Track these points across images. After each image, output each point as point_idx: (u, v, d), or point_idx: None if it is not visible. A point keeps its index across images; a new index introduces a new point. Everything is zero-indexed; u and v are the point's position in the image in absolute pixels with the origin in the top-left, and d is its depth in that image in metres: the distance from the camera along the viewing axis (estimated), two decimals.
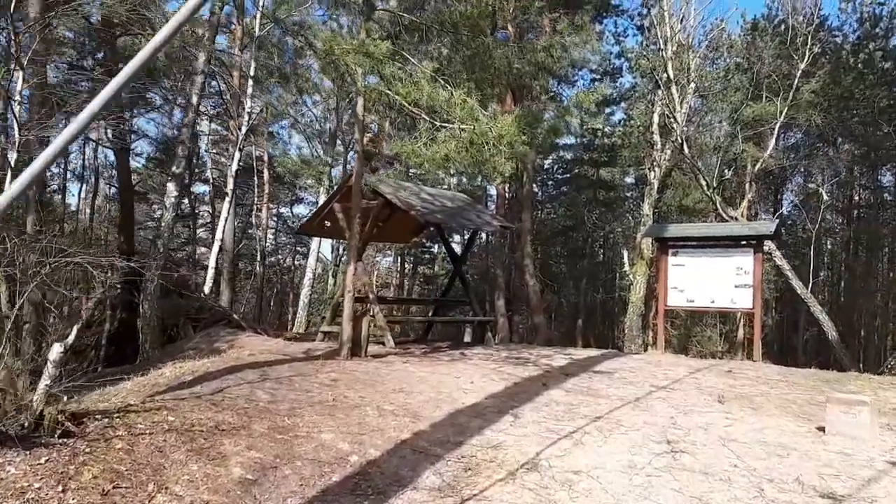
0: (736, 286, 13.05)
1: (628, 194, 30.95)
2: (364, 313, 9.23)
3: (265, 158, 32.37)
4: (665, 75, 19.28)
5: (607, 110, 26.41)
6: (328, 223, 13.06)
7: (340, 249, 32.89)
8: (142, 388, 6.55)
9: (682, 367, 10.52)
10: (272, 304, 41.53)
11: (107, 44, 10.52)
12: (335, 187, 13.84)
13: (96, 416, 4.98)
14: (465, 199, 14.16)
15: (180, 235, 38.43)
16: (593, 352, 12.66)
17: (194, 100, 9.86)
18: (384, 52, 6.47)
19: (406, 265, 35.63)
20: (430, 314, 14.88)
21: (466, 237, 22.66)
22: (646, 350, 22.59)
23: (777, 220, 15.41)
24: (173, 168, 10.14)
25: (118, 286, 11.37)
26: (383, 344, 11.47)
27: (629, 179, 31.54)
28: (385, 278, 34.49)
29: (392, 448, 5.12)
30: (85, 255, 8.25)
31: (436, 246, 31.86)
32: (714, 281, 13.23)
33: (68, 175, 31.46)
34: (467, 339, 16.61)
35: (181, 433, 4.90)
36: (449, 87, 7.24)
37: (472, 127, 6.65)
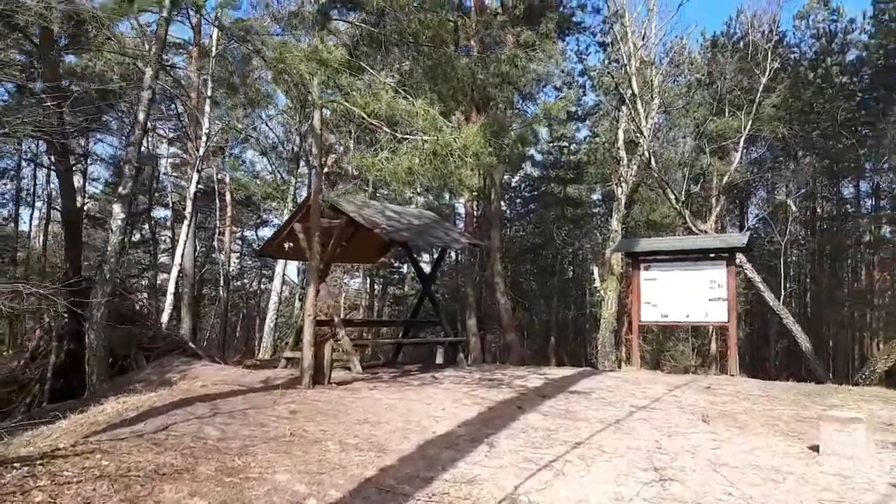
0: (710, 300, 12.85)
1: (595, 211, 30.94)
2: (327, 338, 8.70)
3: (227, 181, 31.68)
4: (630, 91, 19.25)
5: (573, 126, 26.40)
6: (290, 244, 12.52)
7: (307, 272, 32.26)
8: (78, 426, 5.93)
9: (660, 385, 10.20)
10: (238, 329, 40.46)
11: (49, 62, 9.91)
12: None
13: (14, 465, 4.38)
14: (432, 217, 13.75)
15: (141, 262, 37.38)
16: (568, 371, 12.28)
17: (141, 116, 9.29)
18: (339, 59, 6.06)
19: (375, 286, 35.01)
20: (399, 336, 14.36)
21: (435, 256, 22.28)
22: (620, 367, 22.36)
23: (749, 233, 15.31)
24: (119, 189, 9.52)
25: (65, 315, 10.65)
26: (350, 369, 10.93)
27: (596, 196, 31.57)
28: (354, 300, 33.79)
29: (355, 488, 4.61)
30: (27, 284, 7.62)
31: (405, 266, 31.37)
32: (687, 295, 13.01)
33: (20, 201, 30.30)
34: (440, 360, 16.13)
35: (115, 480, 4.33)
36: (410, 98, 6.85)
37: (435, 138, 6.26)
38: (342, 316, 17.79)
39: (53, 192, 30.87)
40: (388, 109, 6.59)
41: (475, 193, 16.23)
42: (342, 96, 6.96)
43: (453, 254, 28.61)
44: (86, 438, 5.23)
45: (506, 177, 23.74)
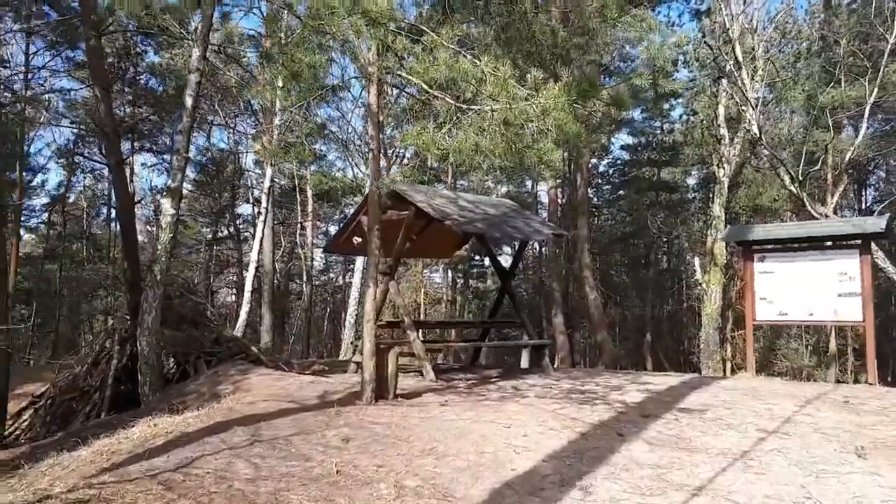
0: (839, 295, 10.97)
1: (691, 196, 28.60)
2: (390, 346, 7.63)
3: (307, 176, 31.53)
4: (732, 60, 17.19)
5: (666, 105, 24.29)
6: (358, 239, 11.61)
7: (385, 265, 31.60)
8: (98, 457, 5.12)
9: (785, 398, 8.55)
10: (325, 323, 40.59)
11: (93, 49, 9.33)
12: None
13: None
14: (511, 206, 12.47)
15: (228, 258, 38.03)
16: (672, 379, 10.72)
17: (188, 101, 8.53)
18: (384, 9, 4.93)
19: (457, 280, 34.01)
20: (478, 338, 13.18)
21: (515, 249, 20.95)
22: (725, 368, 20.35)
23: (887, 216, 13.12)
24: (168, 182, 8.82)
25: (127, 317, 10.15)
26: (422, 374, 9.88)
27: (691, 181, 29.24)
28: (435, 294, 32.89)
29: None
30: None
31: (486, 258, 30.15)
32: (812, 290, 11.17)
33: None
34: (524, 363, 14.86)
35: None
36: (475, 60, 5.63)
37: (506, 104, 5.02)
38: (417, 314, 16.89)
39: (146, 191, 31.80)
40: (448, 73, 5.41)
41: (558, 178, 14.76)
42: (394, 60, 5.86)
43: (536, 245, 27.16)
44: (90, 479, 4.36)
45: (593, 160, 22.00)
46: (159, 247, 8.56)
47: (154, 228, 34.89)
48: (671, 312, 26.35)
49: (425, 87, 5.91)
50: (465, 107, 5.60)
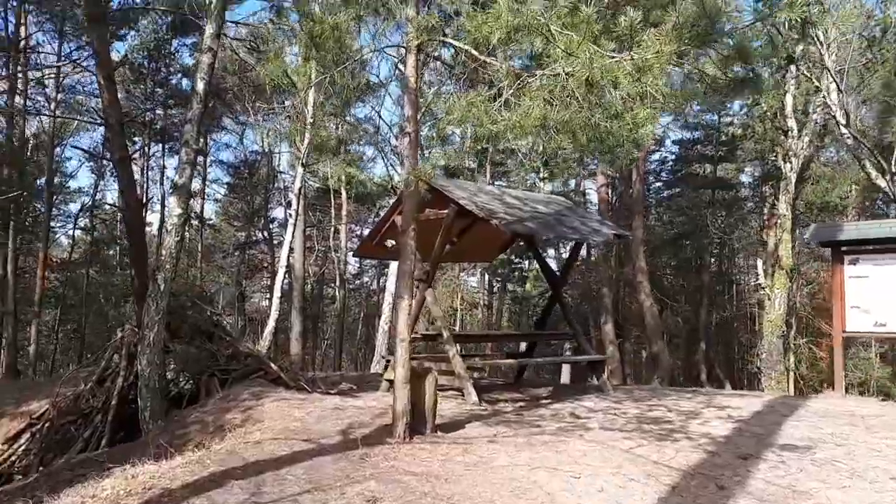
0: None
1: (747, 194, 26.71)
2: (427, 369, 6.35)
3: (342, 177, 30.56)
4: (808, 41, 15.51)
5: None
6: (391, 242, 10.39)
7: (421, 271, 30.37)
8: None
9: None
10: (360, 327, 39.61)
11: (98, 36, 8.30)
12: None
13: None
14: (564, 203, 11.12)
15: (263, 265, 37.34)
16: (752, 400, 9.23)
17: (200, 86, 7.40)
18: None
19: (494, 283, 32.59)
20: (524, 351, 11.84)
21: (566, 251, 19.46)
22: (789, 380, 18.69)
23: None
24: (175, 178, 7.71)
25: (136, 328, 9.07)
26: (462, 396, 8.60)
27: (744, 178, 27.37)
28: (471, 299, 31.55)
29: None
30: None
31: (526, 261, 28.68)
32: None
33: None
34: (564, 378, 13.46)
35: None
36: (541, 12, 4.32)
37: (587, 60, 3.70)
38: (453, 321, 15.64)
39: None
40: (505, 29, 4.12)
41: (610, 173, 13.29)
42: (435, 20, 4.60)
43: (584, 248, 25.61)
44: None
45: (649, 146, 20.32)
46: (164, 252, 7.45)
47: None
48: (725, 319, 24.53)
49: (475, 52, 4.64)
50: (526, 74, 4.31)
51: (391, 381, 9.93)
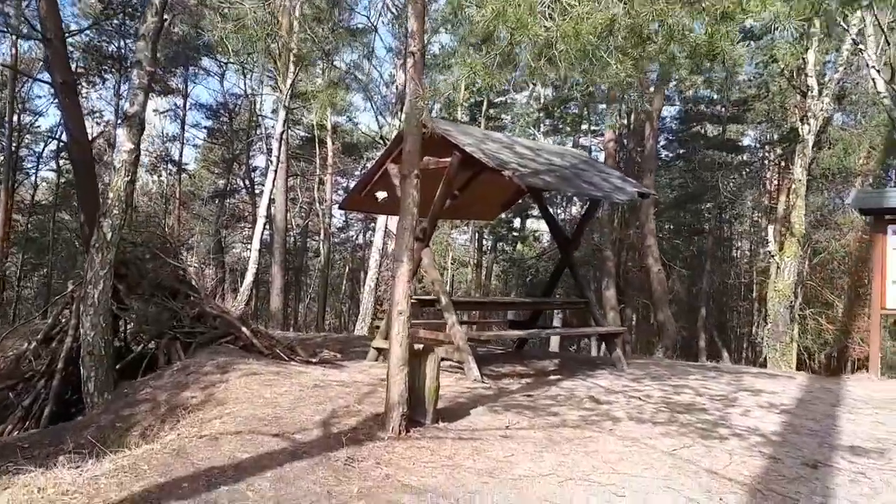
0: None
1: (753, 158, 25.55)
2: (429, 349, 5.22)
3: (328, 126, 29.01)
4: None
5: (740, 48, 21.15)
6: (382, 194, 9.19)
7: (417, 228, 29.00)
8: None
9: None
10: (344, 282, 38.49)
11: None
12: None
13: None
14: (580, 156, 9.93)
15: (244, 215, 35.80)
16: (787, 383, 8.26)
17: None
18: None
19: (484, 242, 31.41)
20: (528, 321, 10.76)
21: (570, 209, 18.32)
22: (793, 352, 17.95)
23: None
24: (125, 105, 6.38)
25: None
26: (462, 370, 7.54)
27: (747, 140, 26.18)
28: (462, 258, 30.36)
29: None
30: None
31: (517, 220, 27.48)
32: None
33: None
34: (554, 347, 12.51)
35: None
36: None
37: None
38: (445, 283, 14.62)
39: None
40: None
41: (617, 127, 12.02)
42: None
43: (578, 205, 24.44)
44: None
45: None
46: (111, 195, 6.17)
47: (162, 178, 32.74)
48: (725, 286, 23.66)
49: None
50: None
51: (380, 350, 8.86)
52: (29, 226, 25.20)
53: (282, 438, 4.37)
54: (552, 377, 8.28)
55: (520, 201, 15.53)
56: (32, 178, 26.79)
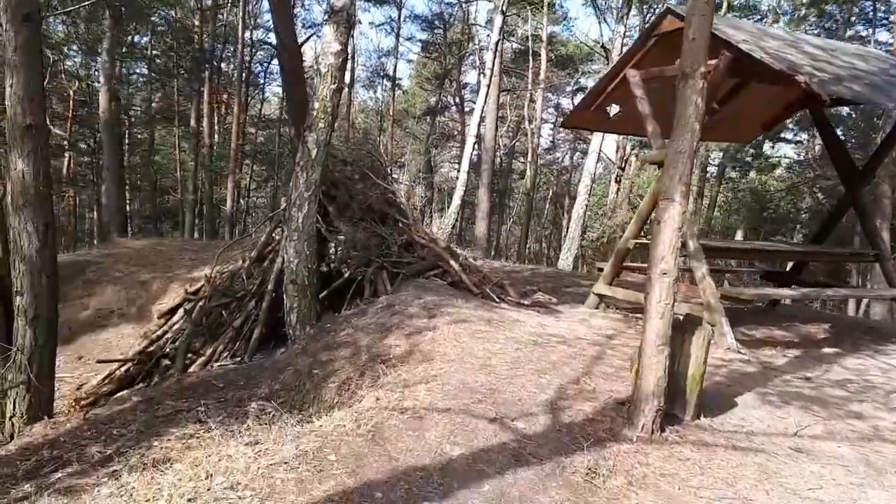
0: None
1: None
2: (695, 322, 3.83)
3: (543, 37, 27.11)
4: None
5: None
6: (615, 108, 7.71)
7: (627, 148, 26.62)
8: None
9: None
10: (546, 205, 37.31)
11: None
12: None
13: None
14: (884, 58, 7.46)
15: (453, 133, 35.66)
16: None
17: None
18: None
19: (709, 168, 27.90)
20: (787, 272, 8.75)
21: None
22: None
23: None
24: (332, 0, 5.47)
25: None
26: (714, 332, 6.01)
27: None
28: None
29: None
30: None
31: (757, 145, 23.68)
32: None
33: None
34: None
35: None
36: None
37: None
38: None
39: None
40: None
41: None
42: None
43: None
44: None
45: None
46: (316, 105, 5.46)
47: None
48: None
49: None
50: None
51: (601, 297, 7.60)
52: (260, 138, 27.08)
53: (500, 426, 3.36)
54: (827, 350, 6.44)
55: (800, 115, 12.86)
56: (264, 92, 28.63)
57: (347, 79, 22.20)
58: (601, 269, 7.50)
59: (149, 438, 3.66)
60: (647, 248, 7.43)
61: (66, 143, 20.73)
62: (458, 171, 21.05)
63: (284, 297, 5.96)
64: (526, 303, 7.00)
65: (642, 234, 7.04)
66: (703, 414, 3.96)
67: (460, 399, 3.64)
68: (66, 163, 21.92)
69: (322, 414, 3.73)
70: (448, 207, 20.64)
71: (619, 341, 5.74)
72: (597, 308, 7.40)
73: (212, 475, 2.68)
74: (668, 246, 3.46)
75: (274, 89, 29.71)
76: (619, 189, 24.55)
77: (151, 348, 7.61)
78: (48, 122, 4.29)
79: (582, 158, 36.90)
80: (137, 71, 24.39)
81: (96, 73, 20.22)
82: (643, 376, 3.52)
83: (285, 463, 2.79)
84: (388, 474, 2.78)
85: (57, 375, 8.22)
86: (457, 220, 18.27)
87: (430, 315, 5.28)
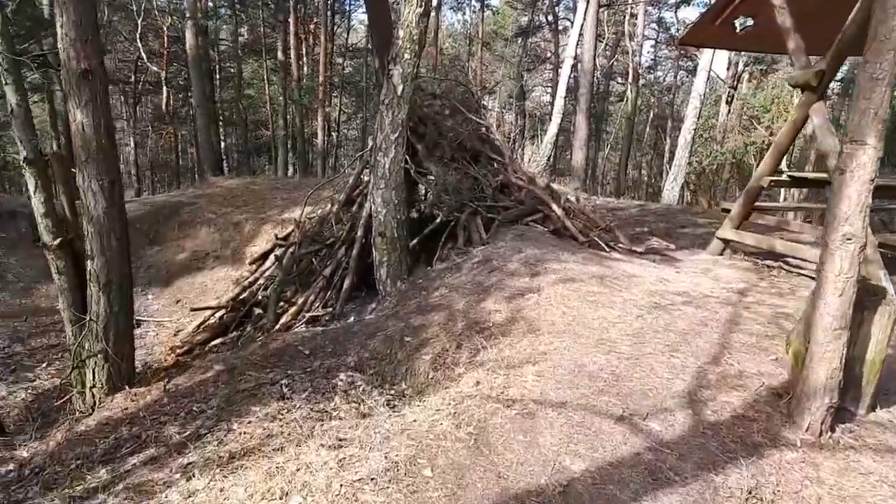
0: None
1: None
2: (877, 294, 3.01)
3: None
4: None
5: None
6: (745, 21, 6.61)
7: (740, 64, 24.20)
8: None
9: None
10: (646, 129, 35.16)
11: None
12: None
13: None
14: None
15: (545, 55, 33.73)
16: None
17: None
18: None
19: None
20: None
21: None
22: None
23: None
24: None
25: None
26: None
27: None
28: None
29: None
30: None
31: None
32: None
33: None
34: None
35: None
36: None
37: None
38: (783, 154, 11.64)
39: None
40: None
41: None
42: None
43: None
44: None
45: None
46: (401, 33, 4.79)
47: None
48: None
49: None
50: None
51: (726, 242, 6.72)
52: (348, 69, 26.55)
53: (630, 428, 2.77)
54: None
55: None
56: (350, 20, 27.93)
57: (434, 1, 21.14)
58: (727, 211, 6.58)
59: (229, 418, 3.33)
60: (794, 184, 6.48)
61: (163, 79, 21.06)
62: (553, 96, 19.80)
63: (373, 249, 5.52)
64: (640, 250, 6.25)
65: (779, 169, 6.05)
66: (879, 405, 3.21)
67: (577, 388, 3.06)
68: (163, 100, 22.35)
69: (415, 396, 3.27)
70: (539, 135, 19.60)
71: (752, 298, 4.94)
72: (720, 254, 6.54)
73: (287, 493, 2.27)
74: (856, 203, 2.65)
75: (360, 16, 29.03)
76: (729, 111, 22.54)
77: (244, 295, 7.48)
78: (105, 67, 3.84)
79: (687, 77, 34.22)
80: (224, 3, 24.24)
81: (183, 8, 20.18)
82: (812, 367, 2.80)
83: (372, 479, 2.34)
84: (496, 499, 2.27)
85: (155, 319, 8.35)
86: (552, 152, 17.28)
87: (533, 273, 4.67)
